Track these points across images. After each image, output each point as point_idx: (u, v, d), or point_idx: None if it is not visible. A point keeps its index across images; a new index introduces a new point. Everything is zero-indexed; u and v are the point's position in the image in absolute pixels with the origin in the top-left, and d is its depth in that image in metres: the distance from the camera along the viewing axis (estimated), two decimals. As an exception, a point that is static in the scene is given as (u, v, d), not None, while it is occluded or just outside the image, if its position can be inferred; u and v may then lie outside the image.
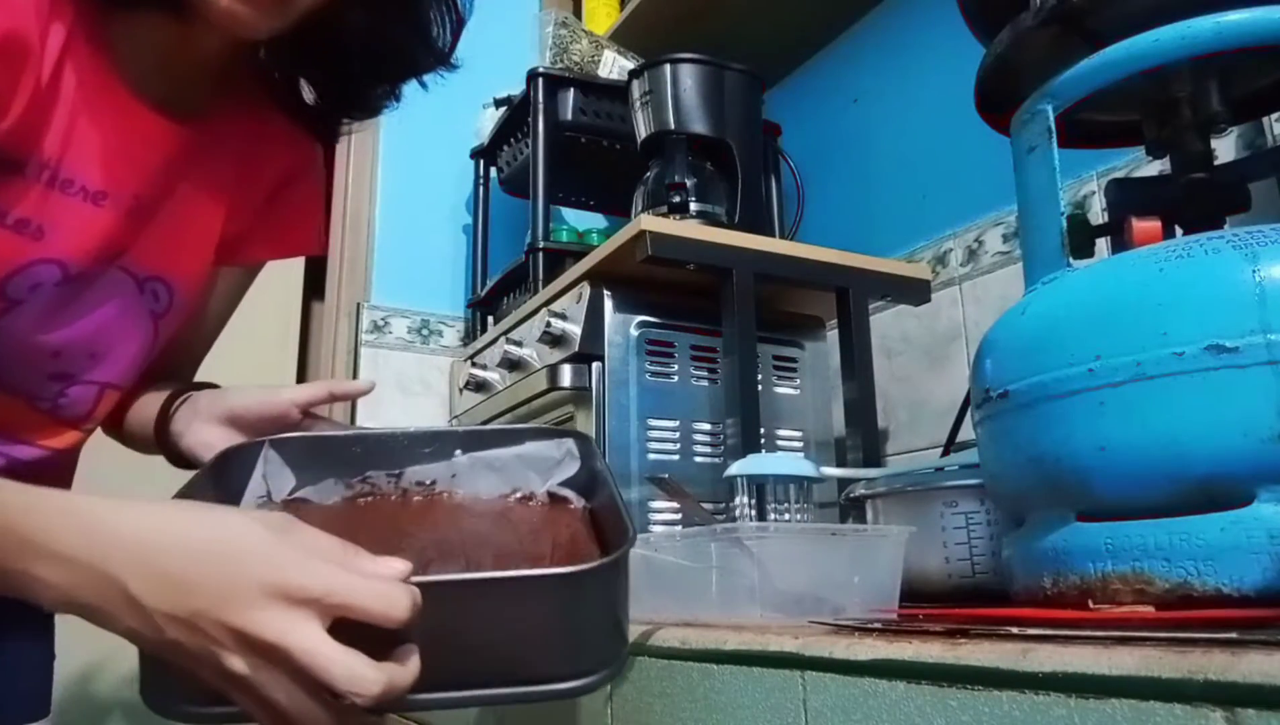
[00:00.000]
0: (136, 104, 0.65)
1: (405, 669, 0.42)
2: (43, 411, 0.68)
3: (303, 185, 0.83)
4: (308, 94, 0.78)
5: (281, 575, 0.41)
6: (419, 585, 0.43)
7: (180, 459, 0.74)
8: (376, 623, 0.41)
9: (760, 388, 1.02)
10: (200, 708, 0.45)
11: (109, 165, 0.64)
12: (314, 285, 1.80)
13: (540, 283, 1.36)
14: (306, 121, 0.79)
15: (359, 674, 0.40)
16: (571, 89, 1.46)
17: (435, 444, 0.60)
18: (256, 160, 0.78)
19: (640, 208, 1.21)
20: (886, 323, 1.30)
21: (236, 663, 0.41)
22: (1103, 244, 0.67)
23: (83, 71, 0.60)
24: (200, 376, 0.86)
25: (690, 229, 1.03)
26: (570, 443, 0.60)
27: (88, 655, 1.41)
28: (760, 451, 0.98)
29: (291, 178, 0.82)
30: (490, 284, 1.56)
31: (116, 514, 0.44)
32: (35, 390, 0.67)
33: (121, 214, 0.66)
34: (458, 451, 0.57)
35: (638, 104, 1.25)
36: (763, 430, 1.02)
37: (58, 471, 0.73)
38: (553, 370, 1.04)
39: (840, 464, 1.13)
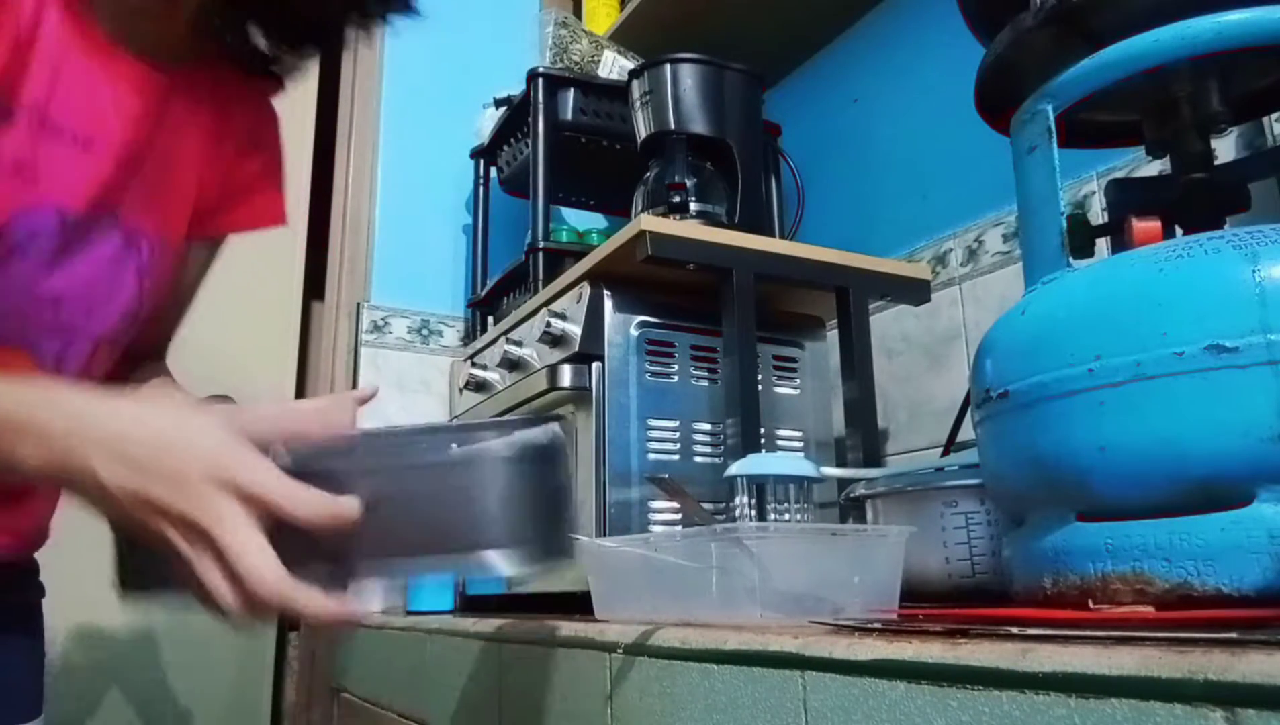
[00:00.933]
0: (115, 51, 0.66)
1: (309, 592, 0.47)
2: (47, 369, 0.69)
3: (265, 154, 0.85)
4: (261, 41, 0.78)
5: (227, 471, 0.47)
6: (358, 435, 0.52)
7: None
8: (300, 525, 0.48)
9: (760, 388, 1.02)
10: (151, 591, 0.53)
11: (94, 111, 0.65)
12: (314, 285, 1.80)
13: (540, 283, 1.36)
14: (260, 67, 0.79)
15: (262, 574, 0.46)
16: (571, 89, 1.46)
17: (431, 438, 0.61)
18: (224, 117, 0.79)
19: (640, 208, 1.21)
20: (886, 323, 1.30)
21: (180, 542, 0.47)
22: (1103, 244, 0.67)
23: (62, 19, 0.61)
24: (201, 376, 0.84)
25: (690, 229, 1.03)
26: (554, 426, 0.61)
27: (79, 657, 1.41)
28: (760, 451, 0.98)
29: (255, 143, 0.84)
30: (490, 284, 1.56)
31: (95, 405, 0.50)
32: (38, 343, 0.68)
33: (110, 161, 0.67)
34: (453, 445, 0.58)
35: (638, 104, 1.25)
36: (763, 430, 1.02)
37: None
38: (553, 370, 1.04)
39: (840, 464, 1.13)
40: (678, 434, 1.05)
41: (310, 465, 0.50)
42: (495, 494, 0.52)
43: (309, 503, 0.48)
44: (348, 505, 0.49)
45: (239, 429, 0.50)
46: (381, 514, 0.50)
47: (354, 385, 1.58)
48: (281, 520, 0.48)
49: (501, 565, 0.52)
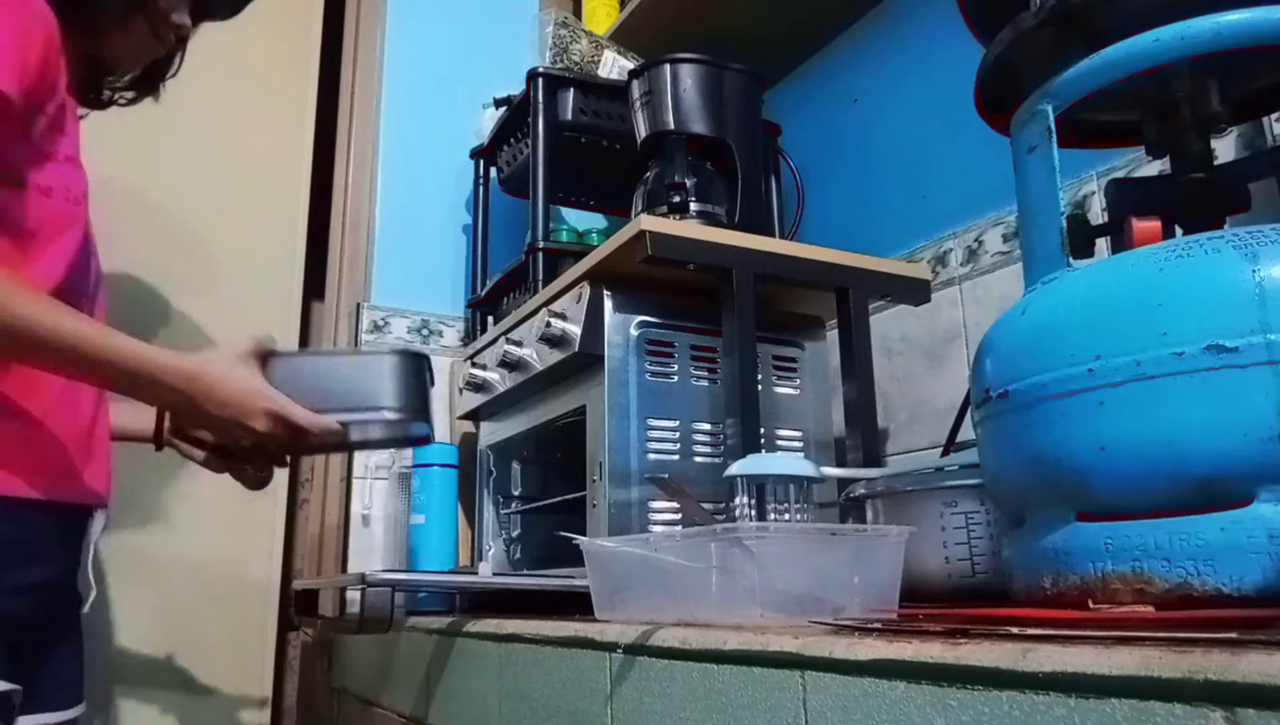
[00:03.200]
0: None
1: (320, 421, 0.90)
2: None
3: None
4: None
5: (273, 402, 0.89)
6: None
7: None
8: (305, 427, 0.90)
9: (760, 388, 1.02)
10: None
11: (76, 131, 0.92)
12: (314, 285, 1.80)
13: (540, 283, 1.36)
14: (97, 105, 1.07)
15: (308, 419, 0.89)
16: (571, 89, 1.46)
17: (352, 352, 1.07)
18: None
19: (640, 208, 1.21)
20: (886, 323, 1.30)
21: (259, 424, 0.88)
22: (1103, 244, 0.67)
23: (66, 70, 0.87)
24: None
25: (690, 229, 1.03)
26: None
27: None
28: (760, 451, 0.98)
29: None
30: (490, 284, 1.56)
31: (196, 365, 0.86)
32: (95, 297, 0.96)
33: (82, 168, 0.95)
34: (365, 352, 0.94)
35: (637, 104, 1.25)
36: (763, 430, 1.02)
37: None
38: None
39: (840, 464, 1.13)
40: (678, 434, 1.05)
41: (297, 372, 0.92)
42: (389, 375, 0.93)
43: (310, 419, 0.89)
44: (327, 422, 0.90)
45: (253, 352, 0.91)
46: (332, 390, 0.92)
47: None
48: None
49: (391, 418, 0.92)
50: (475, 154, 1.69)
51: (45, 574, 0.90)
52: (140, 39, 0.99)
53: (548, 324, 1.08)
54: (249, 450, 0.95)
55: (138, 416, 1.03)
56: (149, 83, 1.08)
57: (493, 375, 1.30)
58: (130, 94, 1.08)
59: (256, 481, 0.98)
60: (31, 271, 0.86)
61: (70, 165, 0.91)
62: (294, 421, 0.88)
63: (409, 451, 1.45)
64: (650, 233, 0.97)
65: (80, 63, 0.97)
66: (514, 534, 1.37)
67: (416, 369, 0.94)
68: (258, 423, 0.87)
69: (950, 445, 0.99)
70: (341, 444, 0.95)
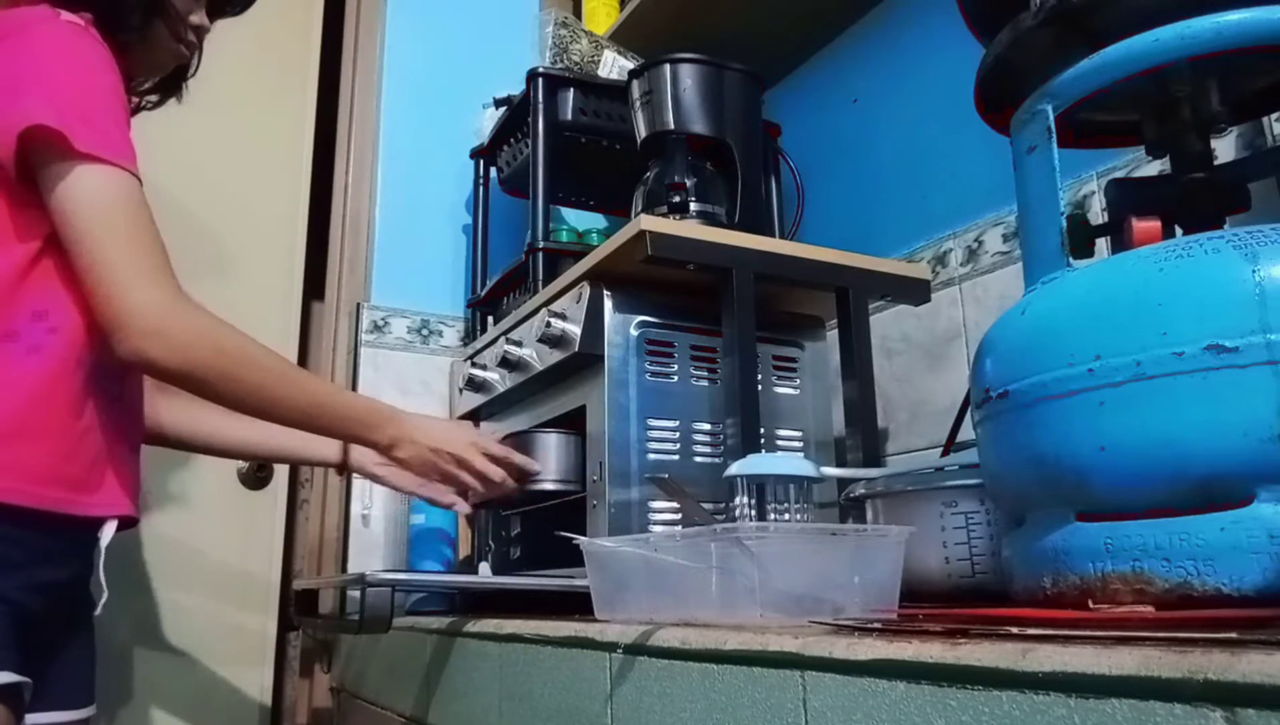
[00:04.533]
0: None
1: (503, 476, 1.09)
2: None
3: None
4: None
5: (476, 437, 1.10)
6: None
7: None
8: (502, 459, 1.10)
9: (760, 388, 1.02)
10: None
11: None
12: (314, 285, 1.80)
13: (540, 283, 1.35)
14: None
15: (490, 469, 1.08)
16: (571, 89, 1.46)
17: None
18: None
19: (640, 208, 1.21)
20: (886, 323, 1.30)
21: (471, 456, 1.07)
22: (1103, 244, 0.67)
23: None
24: None
25: (690, 229, 1.03)
26: None
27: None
28: (760, 451, 0.98)
29: None
30: (490, 284, 1.56)
31: (398, 412, 1.06)
32: None
33: None
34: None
35: (637, 104, 1.25)
36: (763, 430, 1.02)
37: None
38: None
39: (840, 464, 1.13)
40: (678, 434, 1.05)
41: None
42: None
43: (508, 453, 1.10)
44: (525, 460, 1.10)
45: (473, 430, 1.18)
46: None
47: (353, 386, 1.58)
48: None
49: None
50: (475, 154, 1.69)
51: (60, 574, 0.92)
52: (163, 44, 1.01)
53: (548, 324, 1.08)
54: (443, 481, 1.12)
55: (325, 446, 1.21)
56: (172, 84, 1.11)
57: (493, 375, 1.30)
58: (154, 98, 1.11)
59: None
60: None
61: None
62: (493, 452, 1.08)
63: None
64: (650, 233, 0.97)
65: None
66: (513, 534, 1.37)
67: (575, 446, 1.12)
68: (465, 450, 1.06)
69: (950, 445, 0.99)
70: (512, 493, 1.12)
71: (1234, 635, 0.33)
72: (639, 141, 1.25)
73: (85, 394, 0.89)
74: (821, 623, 0.55)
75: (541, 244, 1.38)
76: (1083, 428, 0.51)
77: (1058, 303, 0.56)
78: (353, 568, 1.52)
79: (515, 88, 1.53)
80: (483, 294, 1.58)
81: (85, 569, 0.96)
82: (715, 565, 0.63)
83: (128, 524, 0.97)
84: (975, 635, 0.41)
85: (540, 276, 1.37)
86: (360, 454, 1.20)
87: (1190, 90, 0.62)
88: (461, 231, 1.79)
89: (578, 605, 0.80)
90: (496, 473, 1.07)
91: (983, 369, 0.60)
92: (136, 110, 1.10)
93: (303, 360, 1.92)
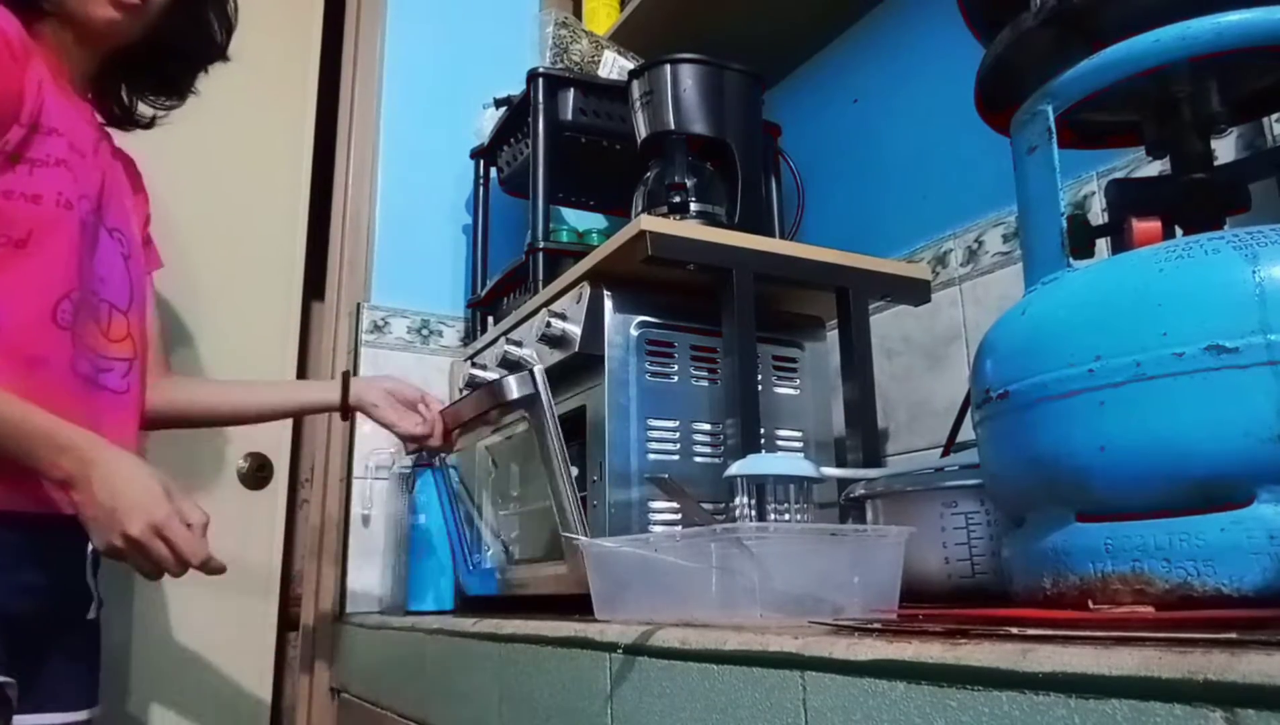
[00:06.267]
0: (75, 94, 1.00)
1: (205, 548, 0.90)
2: (101, 331, 0.98)
3: (147, 200, 1.15)
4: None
5: (169, 505, 0.87)
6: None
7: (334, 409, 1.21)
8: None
9: (760, 388, 1.02)
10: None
11: (79, 132, 0.96)
12: (314, 285, 1.80)
13: (540, 283, 1.35)
14: (126, 117, 1.14)
15: (194, 547, 0.88)
16: (571, 89, 1.46)
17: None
18: (125, 160, 1.11)
19: (640, 208, 1.21)
20: (886, 323, 1.29)
21: (171, 529, 0.86)
22: (1103, 244, 0.67)
23: (48, 75, 0.93)
24: (206, 373, 1.22)
25: (690, 229, 1.03)
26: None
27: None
28: (760, 452, 0.98)
29: (142, 187, 1.15)
30: (490, 284, 1.56)
31: (100, 448, 0.86)
32: (97, 307, 0.98)
33: (93, 170, 0.97)
34: None
35: (637, 104, 1.25)
36: (763, 430, 1.02)
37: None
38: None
39: (840, 464, 1.13)
40: (678, 434, 1.05)
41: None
42: None
43: (206, 519, 0.91)
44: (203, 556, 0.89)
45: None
46: None
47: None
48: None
49: None
50: (475, 154, 1.69)
51: (41, 576, 0.92)
52: (186, 6, 1.05)
53: (548, 324, 1.08)
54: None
55: (325, 391, 1.21)
56: (173, 81, 1.14)
57: (493, 375, 1.30)
58: (168, 102, 1.15)
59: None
60: (24, 279, 0.89)
61: (61, 168, 0.91)
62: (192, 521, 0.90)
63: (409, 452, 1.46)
64: (650, 233, 0.97)
65: (107, 82, 1.07)
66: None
67: None
68: (160, 515, 0.86)
69: (950, 445, 0.99)
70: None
71: (1234, 635, 0.33)
72: (639, 142, 1.25)
73: (47, 392, 0.87)
74: (821, 623, 0.55)
75: (541, 244, 1.38)
76: (1083, 428, 0.51)
77: (1058, 303, 0.56)
78: (353, 568, 1.52)
79: (515, 88, 1.53)
80: (483, 294, 1.58)
81: (70, 569, 0.96)
82: (715, 565, 0.63)
83: None
84: (975, 635, 0.41)
85: (540, 276, 1.37)
86: (360, 390, 1.19)
87: (1190, 90, 0.62)
88: (461, 232, 1.79)
89: (578, 605, 0.80)
90: (195, 553, 0.87)
91: (983, 369, 0.60)
92: (152, 122, 1.16)
93: (303, 360, 1.92)
